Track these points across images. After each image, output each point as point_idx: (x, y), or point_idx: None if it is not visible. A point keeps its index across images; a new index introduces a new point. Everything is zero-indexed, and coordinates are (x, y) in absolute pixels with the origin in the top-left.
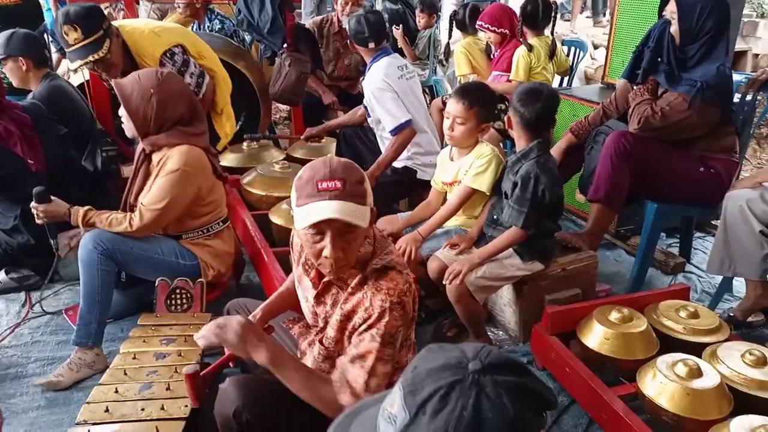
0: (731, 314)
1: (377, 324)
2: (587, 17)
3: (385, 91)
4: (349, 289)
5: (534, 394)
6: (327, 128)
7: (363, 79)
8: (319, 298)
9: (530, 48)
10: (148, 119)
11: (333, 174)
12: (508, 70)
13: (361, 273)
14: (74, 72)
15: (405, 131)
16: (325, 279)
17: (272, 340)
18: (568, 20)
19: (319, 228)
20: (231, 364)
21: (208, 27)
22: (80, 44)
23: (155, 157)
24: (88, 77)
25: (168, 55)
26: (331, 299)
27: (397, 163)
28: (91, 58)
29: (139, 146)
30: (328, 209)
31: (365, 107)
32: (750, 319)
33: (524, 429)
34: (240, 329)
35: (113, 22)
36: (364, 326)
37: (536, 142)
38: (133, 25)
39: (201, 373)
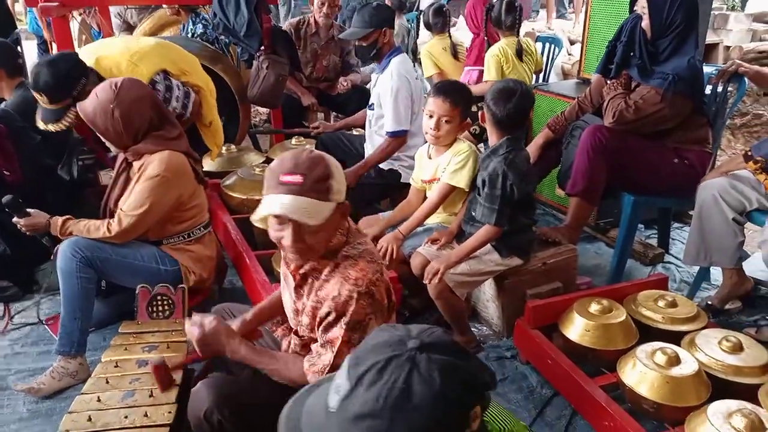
0: (709, 302)
1: (344, 312)
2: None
3: (404, 89)
4: (323, 277)
5: (466, 374)
6: (339, 127)
7: (377, 73)
8: (298, 291)
9: (488, 45)
10: (119, 133)
11: (296, 168)
12: (477, 63)
13: (332, 261)
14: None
15: (399, 139)
16: (302, 270)
17: (241, 339)
18: (534, 20)
19: (279, 218)
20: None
21: (191, 30)
22: (46, 106)
23: (136, 163)
24: None
25: (150, 85)
26: (307, 290)
27: (384, 165)
28: (51, 127)
29: (121, 155)
30: (278, 204)
31: (369, 105)
32: (727, 306)
33: (451, 404)
34: (214, 331)
35: (85, 49)
36: (332, 316)
37: (506, 139)
38: (110, 55)
39: (169, 366)
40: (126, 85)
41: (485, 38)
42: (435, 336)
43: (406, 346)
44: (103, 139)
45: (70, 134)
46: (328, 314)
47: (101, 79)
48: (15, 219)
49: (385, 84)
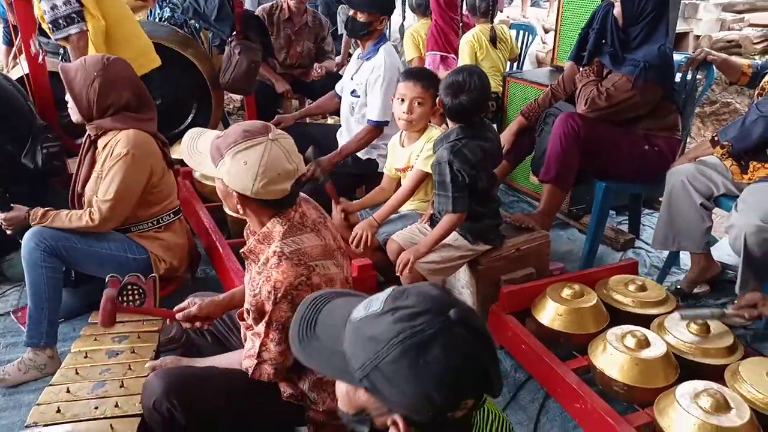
0: (678, 286)
1: (264, 312)
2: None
3: (395, 80)
4: (257, 268)
5: (480, 368)
6: (300, 116)
7: (360, 59)
8: (248, 270)
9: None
10: (91, 103)
11: (229, 128)
12: (430, 47)
13: (266, 252)
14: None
15: (378, 129)
16: (243, 249)
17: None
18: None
19: None
20: (169, 321)
21: (158, 14)
22: None
23: (100, 143)
24: (27, 71)
25: None
26: (249, 274)
27: (362, 154)
28: None
29: (85, 134)
30: (194, 138)
31: (351, 92)
32: (696, 290)
33: (451, 383)
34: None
35: None
36: (254, 313)
37: (457, 127)
38: None
39: (118, 303)
40: (117, 62)
41: (457, 24)
42: (476, 320)
43: (447, 310)
44: (71, 104)
45: (34, 120)
46: (249, 310)
47: None
48: None
49: (376, 72)
